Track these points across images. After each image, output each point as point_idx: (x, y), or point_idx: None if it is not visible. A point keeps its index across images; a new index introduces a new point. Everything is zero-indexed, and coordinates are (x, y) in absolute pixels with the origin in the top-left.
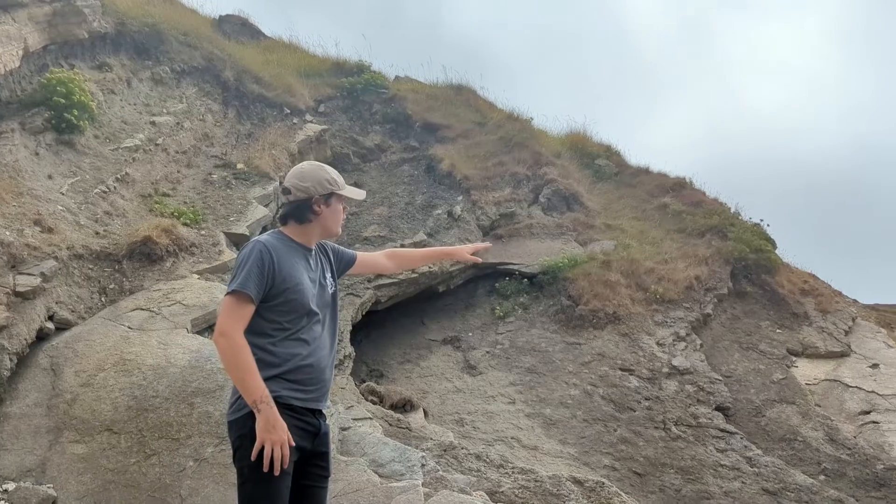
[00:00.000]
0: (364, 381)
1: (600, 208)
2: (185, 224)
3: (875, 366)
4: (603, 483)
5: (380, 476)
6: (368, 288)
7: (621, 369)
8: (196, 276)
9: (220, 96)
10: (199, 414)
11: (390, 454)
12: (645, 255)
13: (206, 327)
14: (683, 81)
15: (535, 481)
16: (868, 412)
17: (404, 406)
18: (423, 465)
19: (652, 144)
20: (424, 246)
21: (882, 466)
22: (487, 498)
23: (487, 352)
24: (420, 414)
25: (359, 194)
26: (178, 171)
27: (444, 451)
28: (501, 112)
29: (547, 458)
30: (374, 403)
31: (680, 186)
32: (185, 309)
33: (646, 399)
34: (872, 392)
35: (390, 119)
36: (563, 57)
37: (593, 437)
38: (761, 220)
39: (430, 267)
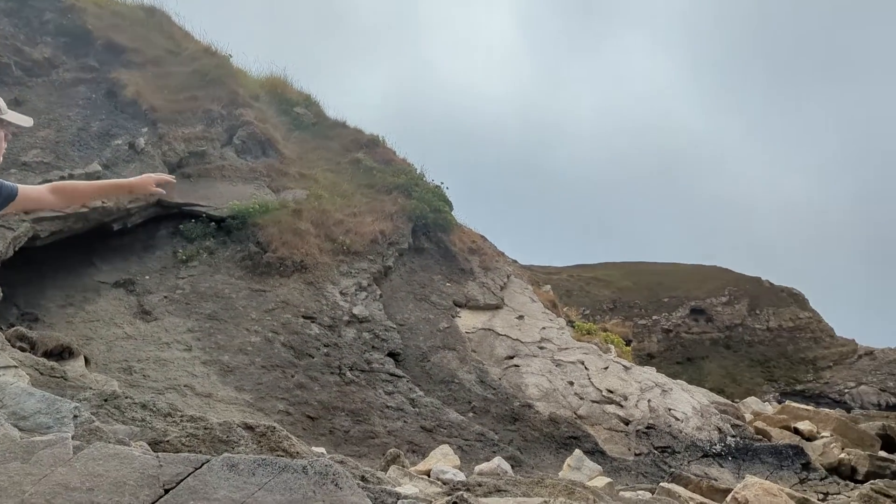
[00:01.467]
0: (13, 326)
1: (296, 157)
2: None
3: (521, 317)
4: (274, 428)
5: (21, 430)
6: (24, 220)
7: (304, 317)
8: None
9: None
10: None
11: (36, 405)
12: (336, 207)
13: None
14: (386, 45)
15: (205, 429)
16: (512, 357)
17: (61, 353)
18: (75, 417)
19: (350, 101)
20: (99, 178)
21: (518, 403)
22: (148, 447)
23: (165, 297)
24: (80, 362)
25: (25, 121)
26: None
27: (105, 400)
28: (198, 44)
29: (221, 406)
30: (24, 350)
31: (374, 144)
32: None
33: (325, 346)
34: (517, 340)
35: (65, 32)
36: None
37: (270, 384)
38: (442, 183)
39: (104, 202)
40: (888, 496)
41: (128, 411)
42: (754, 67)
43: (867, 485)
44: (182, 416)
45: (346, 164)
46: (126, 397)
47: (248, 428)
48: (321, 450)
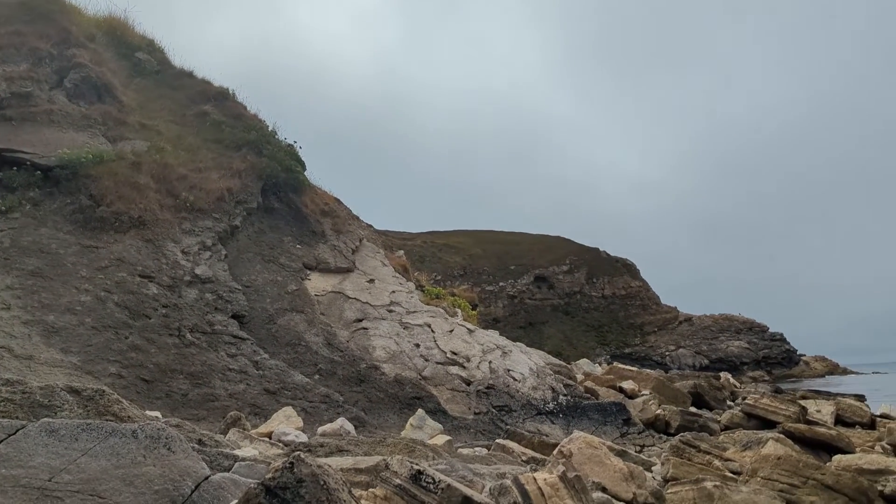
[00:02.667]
0: None
1: (136, 105)
2: None
3: (371, 281)
4: (103, 391)
5: None
6: None
7: (141, 276)
8: None
9: None
10: None
11: None
12: (179, 161)
13: None
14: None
15: (24, 393)
16: (361, 320)
17: None
18: None
19: (202, 53)
20: None
21: (364, 365)
22: None
23: None
24: None
25: None
26: None
27: None
28: None
29: (44, 369)
30: None
31: (223, 96)
32: None
33: (164, 306)
34: (367, 303)
35: None
36: None
37: (102, 345)
38: (295, 142)
39: None
40: (693, 446)
41: None
42: (620, 56)
43: (677, 437)
44: None
45: (192, 117)
46: None
47: (74, 392)
48: (156, 414)
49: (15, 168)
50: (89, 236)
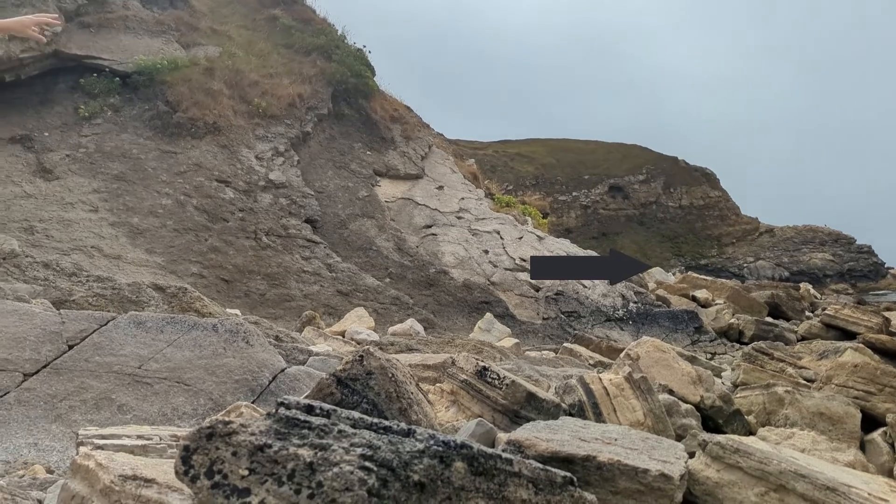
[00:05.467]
0: None
1: (207, 10)
2: None
3: (441, 187)
4: (186, 289)
5: None
6: None
7: (218, 180)
8: None
9: None
10: None
11: None
12: (251, 67)
13: None
14: None
15: (113, 289)
16: (430, 226)
17: None
18: None
19: None
20: None
21: (434, 270)
22: (50, 305)
23: (68, 155)
24: None
25: None
26: None
27: (4, 259)
28: None
29: (131, 268)
30: None
31: (292, 0)
32: None
33: (240, 210)
34: (436, 210)
35: None
36: None
37: (183, 247)
38: (364, 46)
39: None
40: (766, 354)
41: (29, 270)
42: None
43: (750, 345)
44: (88, 277)
45: (262, 22)
46: (27, 256)
47: (159, 289)
48: (235, 311)
49: (95, 74)
50: (167, 142)
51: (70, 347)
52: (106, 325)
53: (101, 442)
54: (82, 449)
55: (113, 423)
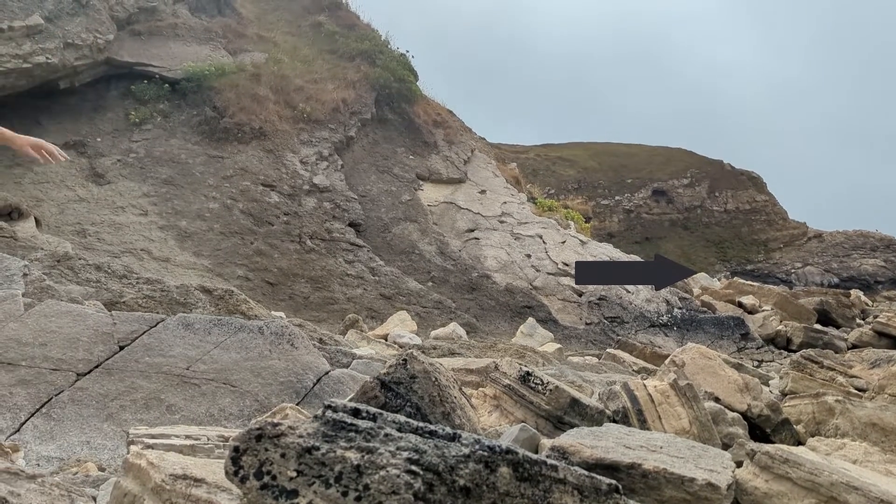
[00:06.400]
0: None
1: (254, 17)
2: None
3: (483, 191)
4: (232, 291)
5: None
6: None
7: (263, 185)
8: None
9: None
10: None
11: None
12: (296, 73)
13: None
14: None
15: (162, 291)
16: (472, 230)
17: (10, 214)
18: (25, 275)
19: None
20: (40, 31)
21: (476, 274)
22: (101, 306)
23: (119, 160)
24: (31, 223)
25: None
26: None
27: (58, 261)
28: None
29: (179, 270)
30: None
31: (336, 6)
32: None
33: (285, 214)
34: (478, 213)
35: None
36: None
37: (230, 250)
38: (407, 51)
39: (48, 58)
40: (815, 362)
41: (82, 272)
42: None
43: (799, 353)
44: (138, 279)
45: (307, 28)
46: (80, 259)
47: (206, 291)
48: (280, 314)
49: (145, 81)
50: (214, 146)
51: (121, 348)
52: (155, 326)
53: (151, 441)
54: (133, 448)
55: (162, 423)
